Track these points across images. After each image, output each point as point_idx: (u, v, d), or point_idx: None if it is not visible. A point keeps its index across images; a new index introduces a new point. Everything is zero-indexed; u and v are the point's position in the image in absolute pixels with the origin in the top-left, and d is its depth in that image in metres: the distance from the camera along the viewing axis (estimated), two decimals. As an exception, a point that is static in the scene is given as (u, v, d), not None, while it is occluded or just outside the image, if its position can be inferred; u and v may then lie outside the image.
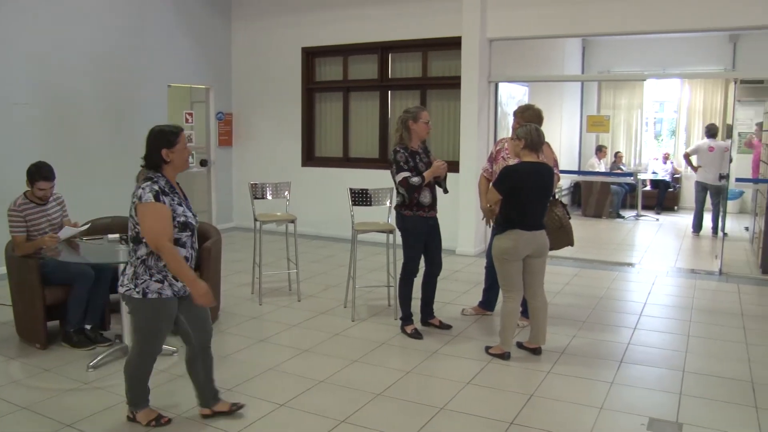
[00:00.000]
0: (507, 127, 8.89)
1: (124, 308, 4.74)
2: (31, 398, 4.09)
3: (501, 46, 8.71)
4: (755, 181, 9.16)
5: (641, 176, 12.95)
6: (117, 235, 5.21)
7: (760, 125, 9.57)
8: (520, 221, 4.65)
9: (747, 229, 10.52)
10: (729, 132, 9.88)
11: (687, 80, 13.82)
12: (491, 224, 5.30)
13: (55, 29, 7.62)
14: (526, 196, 4.64)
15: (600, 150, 12.66)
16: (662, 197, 13.34)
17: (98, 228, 5.60)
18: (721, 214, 9.48)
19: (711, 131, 10.54)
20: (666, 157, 13.78)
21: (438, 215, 5.35)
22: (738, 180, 8.49)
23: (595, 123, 11.18)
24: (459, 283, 7.06)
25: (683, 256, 9.00)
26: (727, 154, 9.96)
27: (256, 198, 6.58)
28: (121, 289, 3.52)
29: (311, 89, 9.97)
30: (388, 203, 5.97)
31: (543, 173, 4.71)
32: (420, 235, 5.22)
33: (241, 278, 7.11)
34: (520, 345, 5.00)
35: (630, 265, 8.25)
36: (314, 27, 9.64)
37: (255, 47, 10.18)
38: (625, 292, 7.05)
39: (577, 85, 14.38)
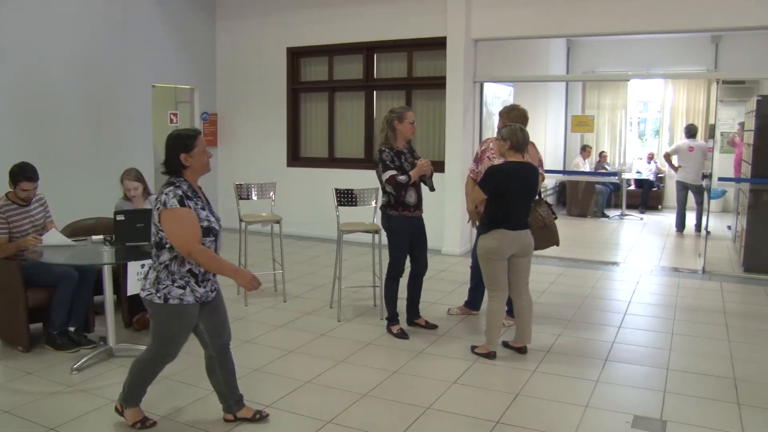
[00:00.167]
0: (492, 127, 8.91)
1: (109, 310, 4.72)
2: (13, 402, 4.05)
3: (486, 47, 8.73)
4: (737, 180, 9.24)
5: (625, 176, 13.05)
6: (101, 237, 5.19)
7: (742, 125, 9.66)
8: (504, 221, 4.66)
9: (729, 227, 10.63)
10: (712, 132, 9.98)
11: (670, 80, 13.94)
12: (477, 225, 5.31)
13: (37, 29, 7.56)
14: (511, 195, 4.65)
15: (585, 150, 12.74)
16: (646, 196, 13.45)
17: (82, 229, 5.57)
18: (704, 213, 9.56)
19: (691, 131, 10.65)
20: (650, 157, 13.90)
21: (423, 215, 5.36)
22: (720, 179, 8.57)
23: (580, 123, 11.24)
24: (445, 283, 7.07)
25: (667, 255, 9.07)
26: (709, 153, 10.07)
27: (241, 198, 6.55)
28: (142, 293, 3.48)
29: (296, 89, 9.95)
30: (373, 203, 5.98)
31: (528, 173, 4.73)
32: (405, 235, 5.23)
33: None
34: (505, 344, 5.02)
35: (615, 264, 8.30)
36: (299, 27, 9.62)
37: (240, 47, 10.15)
38: (609, 290, 7.09)
39: (561, 85, 14.47)
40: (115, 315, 4.84)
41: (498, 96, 9.68)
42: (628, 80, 12.94)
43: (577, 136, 14.00)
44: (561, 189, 13.74)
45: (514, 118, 5.27)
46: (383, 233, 5.43)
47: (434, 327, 5.52)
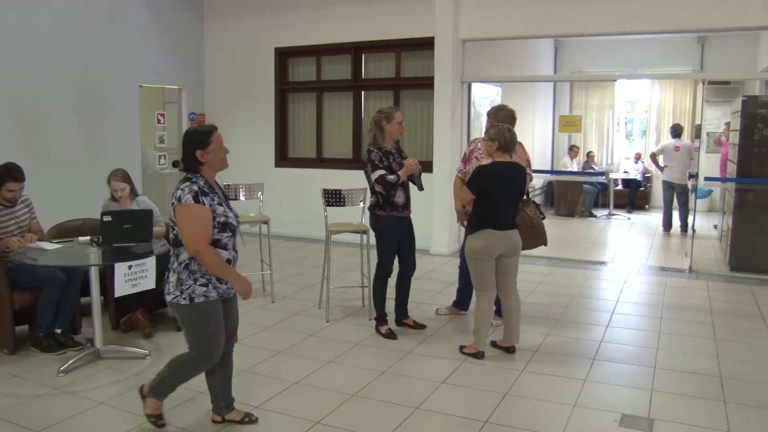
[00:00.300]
0: (480, 127, 8.94)
1: (96, 311, 4.69)
2: (-1, 404, 4.03)
3: (474, 47, 8.75)
4: (723, 180, 9.31)
5: (613, 175, 13.10)
6: (87, 238, 5.15)
7: (728, 125, 9.73)
8: (492, 221, 4.67)
9: (715, 227, 10.70)
10: (698, 132, 10.05)
11: (657, 81, 14.03)
12: (465, 224, 5.32)
13: (23, 28, 7.51)
14: (499, 196, 4.66)
15: (572, 150, 12.79)
16: (633, 196, 13.53)
17: (68, 230, 5.53)
18: (690, 212, 9.62)
19: (676, 131, 10.73)
20: (637, 157, 13.98)
21: (412, 215, 5.36)
22: (707, 179, 8.63)
23: (568, 123, 11.26)
24: (433, 283, 7.08)
25: (654, 254, 9.12)
26: (695, 153, 10.14)
27: (229, 199, 6.52)
28: (168, 298, 3.43)
29: (284, 90, 9.93)
30: (361, 204, 5.97)
31: (516, 173, 4.74)
32: (394, 236, 5.23)
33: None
34: (494, 344, 5.03)
35: (602, 263, 8.34)
36: (287, 27, 9.60)
37: (228, 47, 10.12)
38: (597, 290, 7.12)
39: (549, 86, 14.52)
40: (102, 317, 4.82)
41: (486, 96, 9.70)
42: (615, 80, 13.00)
43: (565, 136, 14.06)
44: (549, 189, 13.79)
45: (502, 118, 5.28)
46: (371, 233, 5.43)
47: (423, 327, 5.53)
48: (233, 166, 10.28)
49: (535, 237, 5.30)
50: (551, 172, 13.51)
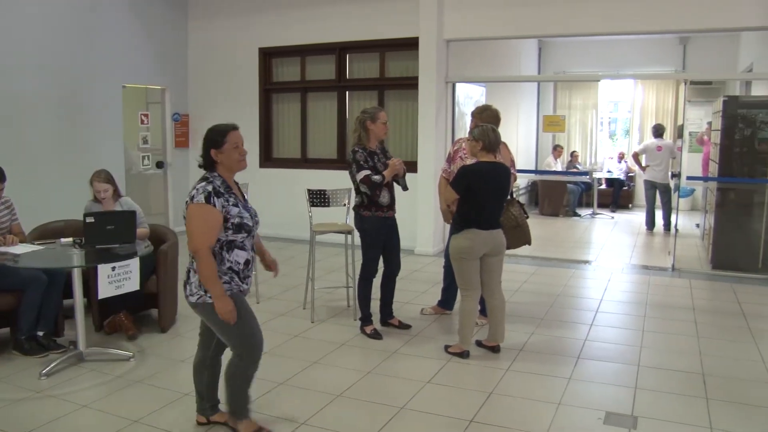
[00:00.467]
0: (464, 127, 8.95)
1: (79, 313, 4.65)
2: (-20, 408, 3.98)
3: (458, 47, 8.77)
4: (705, 179, 9.39)
5: (596, 175, 13.19)
6: (70, 239, 5.11)
7: (710, 124, 9.82)
8: (476, 221, 4.69)
9: (698, 225, 10.79)
10: (680, 131, 10.14)
11: (640, 81, 14.14)
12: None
13: (3, 27, 7.42)
14: (483, 195, 4.68)
15: (556, 149, 12.85)
16: (617, 195, 13.62)
17: (50, 232, 5.49)
18: (673, 211, 9.70)
19: (658, 131, 10.83)
20: (621, 156, 14.07)
21: (396, 215, 5.36)
22: (689, 178, 8.71)
23: (551, 123, 11.33)
24: (418, 283, 7.08)
25: (637, 253, 9.18)
26: (677, 152, 10.23)
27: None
28: (191, 299, 3.37)
29: (269, 90, 9.90)
30: (346, 204, 5.97)
31: (500, 173, 4.76)
32: (379, 236, 5.23)
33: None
34: (479, 343, 5.04)
35: (586, 262, 8.39)
36: (271, 27, 9.58)
37: (211, 47, 10.07)
38: (581, 289, 7.16)
39: (533, 86, 14.59)
40: (85, 319, 4.77)
41: (470, 96, 9.73)
42: (599, 80, 13.07)
43: (549, 136, 14.12)
44: (533, 188, 13.85)
45: (486, 118, 5.30)
46: (356, 234, 5.42)
47: (408, 327, 5.53)
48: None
49: (520, 236, 5.32)
50: (535, 171, 13.57)
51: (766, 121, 7.62)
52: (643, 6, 7.46)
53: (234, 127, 3.44)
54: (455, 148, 5.63)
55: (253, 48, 9.76)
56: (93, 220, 4.83)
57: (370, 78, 9.25)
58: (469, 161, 5.00)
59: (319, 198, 5.89)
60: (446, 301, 5.96)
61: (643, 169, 10.92)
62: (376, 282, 5.39)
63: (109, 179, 5.33)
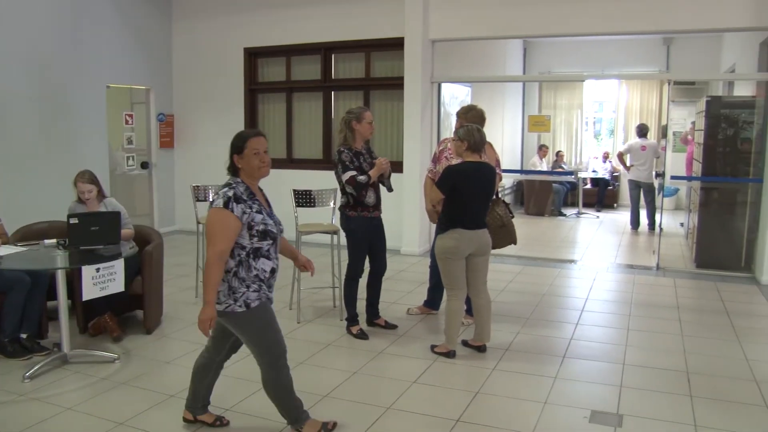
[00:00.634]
0: (450, 127, 8.98)
1: (63, 315, 4.62)
2: (-37, 411, 3.94)
3: (443, 47, 8.79)
4: (689, 178, 9.47)
5: (582, 175, 13.26)
6: (54, 241, 5.07)
7: (694, 124, 9.91)
8: (462, 220, 4.70)
9: (682, 225, 10.88)
10: (664, 131, 10.22)
11: (624, 81, 14.23)
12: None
13: (-14, 28, 7.36)
14: (468, 195, 4.69)
15: (541, 149, 12.91)
16: (602, 195, 13.70)
17: (34, 233, 5.45)
18: (657, 210, 9.77)
19: (642, 131, 10.92)
20: (605, 156, 14.16)
21: (382, 215, 5.36)
22: (673, 178, 8.77)
23: (537, 123, 11.38)
24: (404, 283, 7.09)
25: (622, 252, 9.24)
26: (661, 152, 10.31)
27: (198, 200, 6.48)
28: (218, 308, 3.30)
29: (254, 90, 9.88)
30: (332, 204, 5.97)
31: (485, 173, 4.77)
32: (364, 236, 5.23)
33: (184, 282, 6.99)
34: (465, 343, 5.05)
35: (572, 261, 8.43)
36: (256, 27, 9.55)
37: (196, 47, 10.03)
38: (567, 288, 7.19)
39: (518, 86, 14.63)
40: (69, 320, 4.73)
41: (455, 96, 9.75)
42: (584, 81, 13.17)
43: (534, 136, 14.19)
44: (518, 188, 13.90)
45: (472, 118, 5.31)
46: (342, 234, 5.42)
47: (394, 327, 5.54)
48: (203, 167, 10.25)
49: (505, 236, 5.34)
50: (521, 171, 13.63)
51: (748, 121, 7.69)
52: (627, 7, 7.51)
53: (256, 134, 3.41)
54: (441, 148, 5.64)
55: (238, 48, 9.73)
56: (77, 221, 4.80)
57: (356, 78, 9.25)
58: (455, 161, 5.00)
59: (304, 198, 5.88)
60: (432, 301, 5.96)
61: (628, 168, 11.00)
62: (362, 282, 5.39)
63: (93, 180, 5.30)
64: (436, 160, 5.60)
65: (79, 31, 8.49)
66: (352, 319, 5.39)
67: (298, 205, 5.87)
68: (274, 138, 9.92)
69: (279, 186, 9.05)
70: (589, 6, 7.66)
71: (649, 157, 10.66)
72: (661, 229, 8.62)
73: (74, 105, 8.46)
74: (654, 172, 10.58)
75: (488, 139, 5.00)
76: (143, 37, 9.61)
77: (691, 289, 7.05)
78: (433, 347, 4.99)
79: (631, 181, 10.98)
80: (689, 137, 10.03)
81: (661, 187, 8.84)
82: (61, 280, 4.58)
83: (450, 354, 4.86)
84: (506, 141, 13.10)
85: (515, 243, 5.46)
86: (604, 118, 15.39)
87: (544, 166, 12.78)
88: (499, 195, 5.50)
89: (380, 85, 9.09)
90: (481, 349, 4.97)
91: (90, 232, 4.82)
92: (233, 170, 3.39)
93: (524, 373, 4.59)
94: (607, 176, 13.86)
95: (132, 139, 9.52)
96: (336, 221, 5.65)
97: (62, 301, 4.60)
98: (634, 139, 11.08)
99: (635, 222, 10.95)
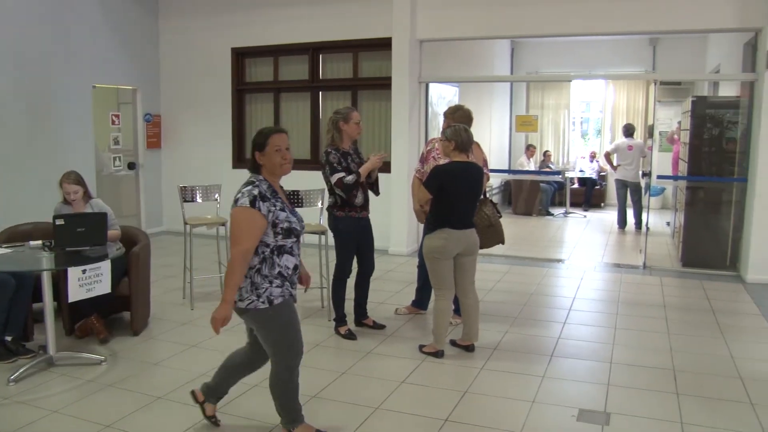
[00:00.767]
0: (437, 127, 8.98)
1: (49, 317, 4.58)
2: (-53, 414, 3.90)
3: (431, 47, 8.80)
4: (675, 178, 9.53)
5: (569, 174, 13.32)
6: (39, 242, 5.04)
7: (680, 124, 9.97)
8: (450, 220, 4.70)
9: (668, 224, 10.94)
10: (650, 131, 10.28)
11: (611, 81, 14.30)
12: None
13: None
14: (456, 195, 4.69)
15: (529, 149, 12.95)
16: (589, 194, 13.76)
17: (19, 234, 5.41)
18: (644, 209, 9.83)
19: (629, 130, 10.99)
20: (592, 156, 14.22)
21: (370, 215, 5.36)
22: (659, 177, 8.83)
23: (524, 123, 11.42)
24: (392, 283, 7.09)
25: (609, 252, 9.28)
26: (648, 152, 10.37)
27: (186, 201, 6.46)
28: (241, 305, 3.29)
29: (241, 90, 9.85)
30: (319, 204, 5.96)
31: (472, 173, 4.78)
32: (352, 236, 5.22)
33: (171, 283, 6.96)
34: (453, 343, 5.06)
35: (559, 261, 8.46)
36: (244, 27, 9.52)
37: (183, 47, 9.98)
38: (554, 287, 7.22)
39: (506, 86, 14.67)
40: (55, 322, 4.70)
41: (443, 96, 9.77)
42: (571, 81, 13.21)
43: (522, 136, 14.23)
44: (506, 188, 13.93)
45: (459, 118, 5.32)
46: (330, 234, 5.41)
47: (382, 327, 5.54)
48: (191, 168, 10.21)
49: (493, 235, 5.35)
50: (508, 171, 13.66)
51: (733, 120, 7.75)
52: (614, 7, 7.56)
53: (278, 131, 3.38)
54: (428, 148, 5.64)
55: (226, 48, 9.70)
56: (63, 222, 4.76)
57: (344, 78, 9.24)
58: (442, 161, 5.01)
59: (292, 199, 5.87)
60: (420, 301, 5.97)
61: (615, 168, 11.06)
62: (350, 282, 5.38)
63: (79, 181, 5.27)
64: (423, 160, 5.61)
65: (64, 30, 8.44)
66: (340, 320, 5.39)
67: (286, 205, 5.84)
68: (261, 138, 9.88)
69: (267, 186, 9.09)
70: (576, 7, 7.69)
71: (636, 157, 10.73)
72: (647, 228, 8.66)
73: (60, 105, 8.41)
74: (641, 172, 10.65)
75: (476, 139, 5.02)
76: (130, 37, 9.56)
77: (678, 287, 7.10)
78: (421, 347, 4.99)
79: (618, 181, 11.04)
80: (675, 137, 10.09)
81: (648, 186, 8.89)
82: (47, 281, 4.55)
83: (438, 354, 4.86)
84: (494, 141, 13.14)
85: (503, 243, 5.48)
86: (591, 117, 15.46)
87: (532, 165, 12.82)
88: (487, 195, 5.51)
89: (368, 86, 9.09)
90: (469, 348, 4.98)
91: (76, 233, 4.79)
92: (254, 167, 3.36)
93: (512, 373, 4.60)
94: (594, 176, 13.92)
95: (119, 140, 9.47)
96: (324, 221, 5.64)
97: (48, 302, 4.57)
98: (621, 139, 11.15)
99: (622, 221, 11.01)
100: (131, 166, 9.86)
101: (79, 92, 8.71)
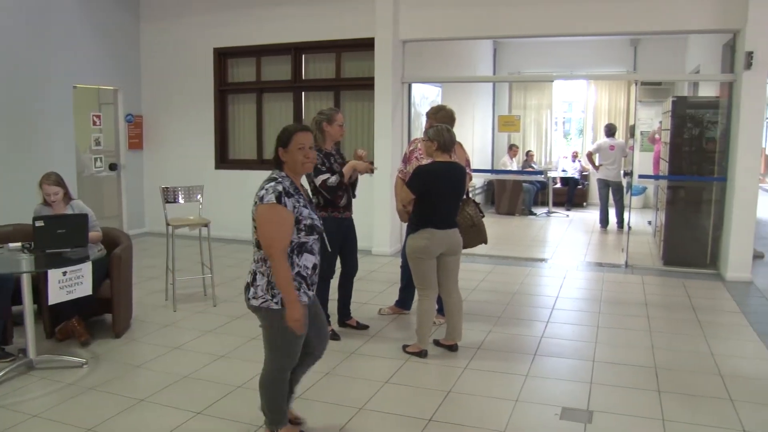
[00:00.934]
0: (420, 127, 9.00)
1: (29, 320, 4.53)
2: (-75, 419, 3.85)
3: (414, 48, 8.81)
4: (656, 177, 9.61)
5: (551, 174, 13.39)
6: (18, 244, 4.99)
7: (661, 124, 10.05)
8: (432, 220, 4.71)
9: (650, 223, 11.03)
10: (632, 131, 10.37)
11: (593, 81, 14.41)
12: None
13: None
14: (439, 195, 4.70)
15: (512, 149, 13.00)
16: (572, 194, 13.84)
17: (-2, 236, 5.35)
18: (625, 209, 9.91)
19: (611, 130, 11.06)
20: (575, 156, 14.31)
21: (353, 216, 5.36)
22: (641, 176, 8.89)
23: (507, 123, 11.46)
24: (375, 283, 7.09)
25: (592, 251, 9.34)
26: (629, 151, 10.44)
27: (168, 202, 6.41)
28: (254, 302, 3.27)
29: (224, 90, 9.80)
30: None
31: (455, 173, 4.79)
32: (335, 237, 5.20)
33: (154, 285, 6.92)
34: (436, 342, 5.07)
35: (542, 260, 8.50)
36: (226, 27, 9.48)
37: (165, 47, 9.92)
38: (537, 287, 7.25)
39: (488, 86, 14.73)
40: (36, 325, 4.66)
41: (426, 96, 9.78)
42: (553, 81, 13.29)
43: (504, 136, 14.30)
44: (489, 188, 13.98)
45: (441, 118, 5.33)
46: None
47: (365, 327, 5.54)
48: (173, 168, 10.15)
49: (476, 235, 5.36)
50: (491, 171, 13.71)
51: (712, 120, 7.83)
52: (595, 8, 7.61)
53: (303, 128, 3.36)
54: (411, 148, 5.65)
55: (208, 48, 9.65)
56: (43, 224, 4.72)
57: (326, 78, 9.23)
58: (425, 161, 5.01)
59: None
60: (404, 301, 5.97)
61: (597, 168, 11.13)
62: (334, 283, 5.37)
63: (59, 182, 5.21)
64: (406, 160, 5.61)
65: (44, 30, 8.34)
66: (324, 320, 5.37)
67: (269, 206, 5.82)
68: (244, 139, 9.87)
69: (251, 187, 9.02)
70: (557, 7, 7.74)
71: (618, 157, 10.81)
72: (629, 227, 8.73)
73: (40, 105, 8.32)
74: (622, 171, 10.73)
75: (458, 139, 5.03)
76: (111, 37, 9.48)
77: (659, 286, 7.16)
78: (405, 347, 5.00)
79: (600, 180, 11.11)
80: (656, 137, 10.17)
81: (629, 185, 8.96)
82: (27, 284, 4.50)
83: (422, 354, 4.87)
84: (476, 141, 13.18)
85: (486, 242, 5.50)
86: (573, 118, 15.56)
87: (515, 165, 12.87)
88: (470, 195, 5.53)
89: (351, 86, 9.09)
90: (452, 348, 4.99)
91: (56, 235, 4.74)
92: (277, 164, 3.34)
93: (496, 372, 4.61)
94: (576, 175, 14.01)
95: (100, 141, 9.40)
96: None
97: (27, 305, 4.52)
98: (603, 139, 11.22)
99: (604, 220, 11.08)
100: (113, 167, 9.78)
101: (60, 93, 8.63)
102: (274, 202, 3.15)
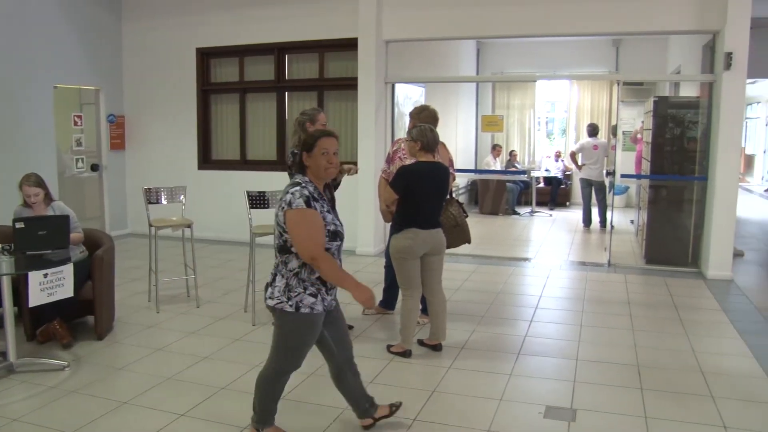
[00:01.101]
0: (404, 127, 8.99)
1: (9, 323, 4.49)
2: None
3: (397, 48, 8.81)
4: (638, 176, 9.68)
5: (535, 174, 13.45)
6: (-1, 246, 4.93)
7: (643, 123, 10.13)
8: (416, 220, 4.72)
9: (632, 222, 11.12)
10: (614, 131, 10.44)
11: (575, 81, 14.49)
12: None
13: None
14: (422, 195, 4.71)
15: (495, 149, 13.05)
16: (555, 194, 13.92)
17: (-22, 238, 5.28)
18: (608, 208, 9.98)
19: (594, 130, 11.13)
20: (558, 155, 14.39)
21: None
22: (623, 176, 8.96)
23: (490, 123, 11.50)
24: (361, 284, 7.07)
25: (575, 250, 9.40)
26: (612, 151, 10.50)
27: (150, 203, 6.37)
28: (270, 302, 3.28)
29: (207, 91, 9.75)
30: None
31: (438, 173, 4.80)
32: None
33: (137, 286, 6.87)
34: (421, 342, 5.07)
35: (526, 260, 8.54)
36: (209, 27, 9.43)
37: (147, 47, 9.85)
38: (521, 286, 7.28)
39: (472, 86, 14.78)
40: (16, 328, 4.61)
41: (409, 97, 9.79)
42: (536, 81, 13.36)
43: (488, 136, 14.33)
44: (473, 188, 14.02)
45: (425, 118, 5.33)
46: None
47: (350, 328, 5.52)
48: (156, 169, 10.09)
49: (460, 235, 5.38)
50: (475, 171, 13.75)
51: (693, 120, 7.90)
52: (578, 9, 7.66)
53: (328, 134, 3.35)
54: (394, 148, 5.65)
55: (191, 48, 9.60)
56: (23, 226, 4.67)
57: (310, 79, 9.21)
58: (408, 161, 5.02)
59: (258, 200, 5.84)
60: (387, 301, 5.97)
61: (580, 167, 11.19)
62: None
63: (39, 183, 5.16)
64: (389, 160, 5.62)
65: (24, 29, 8.26)
66: (308, 321, 5.36)
67: (252, 206, 5.82)
68: (227, 139, 9.83)
69: (234, 188, 9.05)
70: (540, 8, 7.77)
71: (601, 156, 10.88)
72: (612, 226, 8.78)
73: (20, 106, 8.23)
74: (605, 171, 10.80)
75: (442, 139, 5.04)
76: (92, 36, 9.40)
77: (641, 284, 7.21)
78: (389, 347, 5.00)
79: (583, 180, 11.18)
80: (638, 136, 10.25)
81: (612, 185, 9.02)
82: (6, 286, 4.46)
83: (406, 353, 4.87)
84: (460, 141, 13.21)
85: (469, 242, 5.51)
86: (556, 117, 15.65)
87: (498, 165, 12.92)
88: (453, 194, 5.54)
89: (334, 86, 9.08)
90: (436, 348, 5.00)
91: (37, 237, 4.69)
92: (301, 168, 3.33)
93: (480, 371, 4.63)
94: (559, 175, 14.09)
95: (81, 141, 9.31)
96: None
97: (8, 308, 4.48)
98: (586, 139, 11.29)
99: (587, 220, 11.15)
100: (94, 167, 9.70)
101: (40, 93, 8.54)
102: (304, 206, 3.16)
